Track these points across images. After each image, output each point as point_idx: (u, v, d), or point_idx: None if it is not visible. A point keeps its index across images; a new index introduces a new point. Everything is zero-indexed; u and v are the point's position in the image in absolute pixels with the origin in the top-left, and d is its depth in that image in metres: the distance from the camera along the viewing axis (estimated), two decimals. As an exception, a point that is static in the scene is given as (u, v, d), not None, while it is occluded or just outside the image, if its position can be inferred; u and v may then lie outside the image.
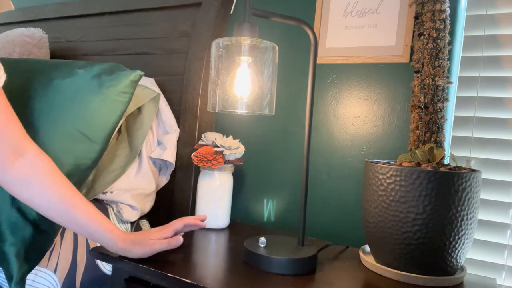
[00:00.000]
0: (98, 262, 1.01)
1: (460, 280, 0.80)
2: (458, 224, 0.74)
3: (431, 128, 0.83)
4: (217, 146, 1.07)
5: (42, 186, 0.76)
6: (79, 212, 0.77)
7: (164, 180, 1.22)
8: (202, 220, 0.86)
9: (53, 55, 1.56)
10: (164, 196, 1.22)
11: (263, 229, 1.11)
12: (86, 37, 1.53)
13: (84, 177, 0.94)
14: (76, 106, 0.92)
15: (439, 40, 0.82)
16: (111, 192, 1.08)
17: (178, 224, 0.83)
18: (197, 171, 1.15)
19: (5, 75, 0.75)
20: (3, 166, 0.75)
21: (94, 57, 1.50)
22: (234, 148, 1.07)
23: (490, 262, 0.93)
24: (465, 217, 0.75)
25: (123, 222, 1.10)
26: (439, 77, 0.82)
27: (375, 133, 1.04)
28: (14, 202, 0.85)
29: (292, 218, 1.15)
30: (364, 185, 0.85)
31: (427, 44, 0.82)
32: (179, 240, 0.79)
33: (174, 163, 1.18)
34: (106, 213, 1.07)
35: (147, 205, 1.15)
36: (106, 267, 1.02)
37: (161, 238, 0.79)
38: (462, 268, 0.83)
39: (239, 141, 1.11)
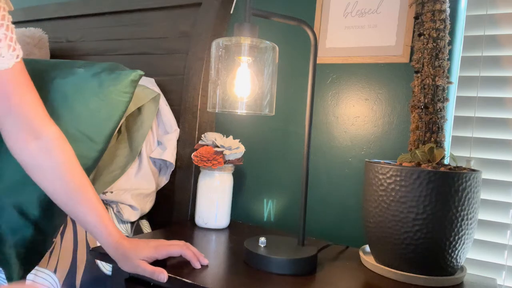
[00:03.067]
0: (98, 262, 1.01)
1: (460, 280, 0.80)
2: (458, 224, 0.74)
3: (431, 128, 0.83)
4: (217, 146, 1.07)
5: (53, 175, 0.76)
6: (81, 208, 0.77)
7: (164, 180, 1.22)
8: (201, 263, 0.79)
9: (53, 55, 1.56)
10: (164, 196, 1.22)
11: (263, 229, 1.11)
12: (86, 37, 1.53)
13: (84, 177, 0.94)
14: (76, 106, 0.92)
15: (439, 40, 0.82)
16: (111, 192, 1.08)
17: (176, 251, 0.77)
18: (197, 171, 1.15)
19: (22, 52, 0.75)
20: (18, 147, 0.75)
21: (94, 57, 1.50)
22: (234, 148, 1.07)
23: (490, 262, 0.93)
24: (465, 217, 0.75)
25: (123, 222, 1.10)
26: (439, 77, 0.82)
27: (375, 133, 1.04)
28: (15, 203, 0.85)
29: (292, 218, 1.15)
30: (364, 185, 0.85)
31: (427, 44, 0.82)
32: (163, 277, 0.73)
33: (174, 163, 1.18)
34: (106, 213, 1.07)
35: (147, 205, 1.15)
36: (106, 267, 1.02)
37: (152, 258, 0.76)
38: (462, 268, 0.83)
39: (239, 141, 1.11)
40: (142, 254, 0.75)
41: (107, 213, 0.78)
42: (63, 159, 0.77)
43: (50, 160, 0.76)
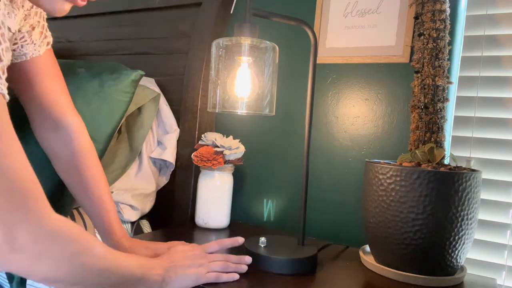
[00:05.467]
0: (98, 262, 1.00)
1: (460, 280, 0.80)
2: (458, 224, 0.74)
3: (431, 128, 0.83)
4: (217, 146, 1.07)
5: (67, 165, 0.78)
6: (90, 202, 0.78)
7: (164, 180, 1.22)
8: None
9: (53, 55, 1.55)
10: (164, 196, 1.22)
11: (263, 229, 1.12)
12: (86, 37, 1.53)
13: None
14: (77, 106, 0.92)
15: (439, 40, 0.82)
16: (112, 192, 1.08)
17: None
18: (197, 171, 1.15)
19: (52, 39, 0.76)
20: (38, 134, 0.78)
21: (94, 57, 1.50)
22: (234, 148, 1.07)
23: (490, 262, 0.93)
24: (465, 217, 0.75)
25: (124, 222, 1.10)
26: (439, 77, 0.82)
27: (375, 133, 1.04)
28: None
29: (292, 218, 1.15)
30: (364, 185, 0.85)
31: (427, 44, 0.82)
32: None
33: (174, 163, 1.18)
34: (106, 213, 1.07)
35: (148, 205, 1.15)
36: (106, 267, 1.02)
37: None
38: (462, 268, 0.83)
39: (239, 141, 1.11)
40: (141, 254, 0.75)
41: (114, 211, 0.79)
42: (78, 151, 0.78)
43: (66, 151, 0.77)
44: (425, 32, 0.83)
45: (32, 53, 0.72)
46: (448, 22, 0.83)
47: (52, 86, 0.76)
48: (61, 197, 0.89)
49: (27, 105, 0.76)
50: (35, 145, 0.81)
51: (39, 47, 0.73)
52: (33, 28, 0.71)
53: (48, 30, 0.75)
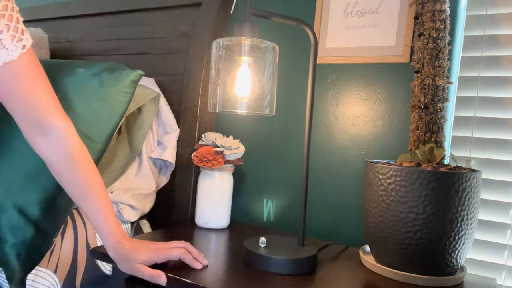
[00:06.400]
0: (99, 262, 1.01)
1: (460, 280, 0.80)
2: (458, 224, 0.74)
3: (431, 128, 0.83)
4: (217, 146, 1.07)
5: (61, 168, 0.77)
6: (87, 204, 0.77)
7: (164, 180, 1.22)
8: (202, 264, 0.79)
9: (53, 55, 1.56)
10: (164, 196, 1.22)
11: (263, 229, 1.12)
12: (86, 37, 1.53)
13: (84, 177, 0.94)
14: (77, 106, 0.92)
15: (439, 40, 0.82)
16: (111, 192, 1.08)
17: (175, 255, 0.77)
18: (197, 171, 1.15)
19: (31, 40, 0.72)
20: (29, 140, 0.77)
21: (94, 57, 1.50)
22: (234, 148, 1.07)
23: (490, 262, 0.93)
24: (465, 217, 0.75)
25: (124, 222, 1.10)
26: (439, 77, 0.82)
27: (375, 133, 1.04)
28: (16, 204, 0.85)
29: (292, 218, 1.15)
30: (364, 185, 0.85)
31: (427, 44, 0.82)
32: (162, 281, 0.72)
33: (174, 163, 1.18)
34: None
35: (147, 205, 1.15)
36: (106, 268, 1.02)
37: (151, 262, 0.75)
38: (462, 268, 0.83)
39: (239, 141, 1.11)
40: (141, 258, 0.74)
41: (112, 212, 0.78)
42: (70, 155, 0.77)
43: (56, 156, 0.76)
44: (425, 32, 0.83)
45: (5, 58, 0.69)
46: (448, 22, 0.83)
47: (33, 91, 0.73)
48: (58, 197, 0.88)
49: (11, 112, 0.74)
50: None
51: (12, 52, 0.69)
52: (1, 32, 0.68)
53: (25, 32, 0.71)
